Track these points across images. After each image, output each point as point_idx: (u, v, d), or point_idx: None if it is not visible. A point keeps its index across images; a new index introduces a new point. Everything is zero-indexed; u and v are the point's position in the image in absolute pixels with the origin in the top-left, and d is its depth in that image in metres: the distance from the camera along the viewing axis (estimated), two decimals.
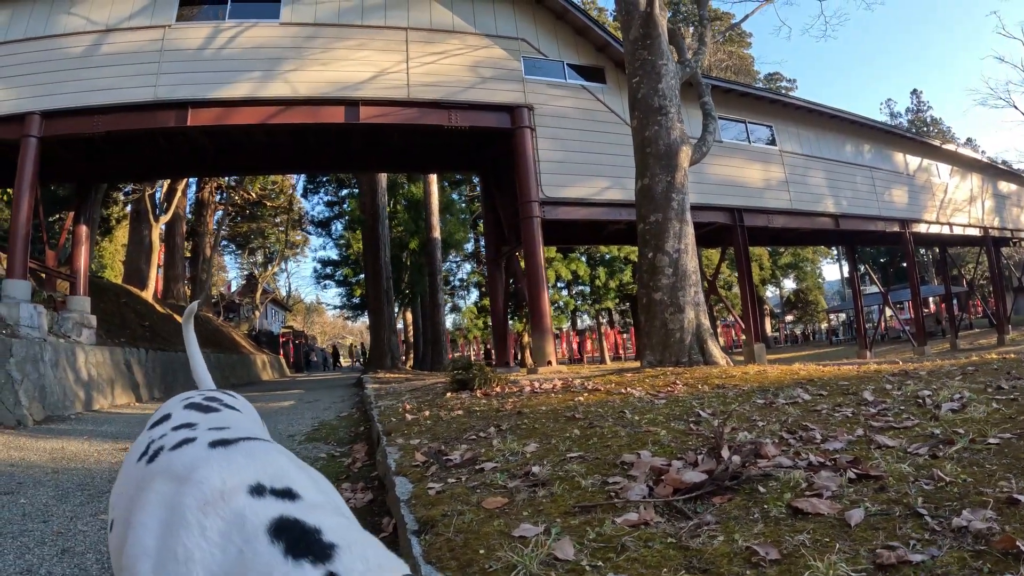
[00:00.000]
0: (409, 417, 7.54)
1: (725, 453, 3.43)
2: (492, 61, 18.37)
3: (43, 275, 18.01)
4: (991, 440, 3.55)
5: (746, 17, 17.62)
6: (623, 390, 7.55)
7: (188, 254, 43.50)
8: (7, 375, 11.79)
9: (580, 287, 45.42)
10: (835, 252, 71.24)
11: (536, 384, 9.45)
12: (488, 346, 45.27)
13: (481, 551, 2.72)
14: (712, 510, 2.93)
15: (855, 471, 3.15)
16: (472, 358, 42.00)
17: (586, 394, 7.63)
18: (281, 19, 17.29)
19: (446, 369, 11.47)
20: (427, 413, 7.68)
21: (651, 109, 12.06)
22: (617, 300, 43.13)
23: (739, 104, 23.17)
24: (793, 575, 2.16)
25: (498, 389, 9.33)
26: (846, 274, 40.88)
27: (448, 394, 9.51)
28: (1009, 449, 3.35)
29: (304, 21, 17.33)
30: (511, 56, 18.59)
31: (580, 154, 18.60)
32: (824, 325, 73.56)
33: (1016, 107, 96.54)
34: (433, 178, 32.69)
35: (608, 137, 18.67)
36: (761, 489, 3.08)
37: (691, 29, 15.91)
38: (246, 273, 72.25)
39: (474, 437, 5.60)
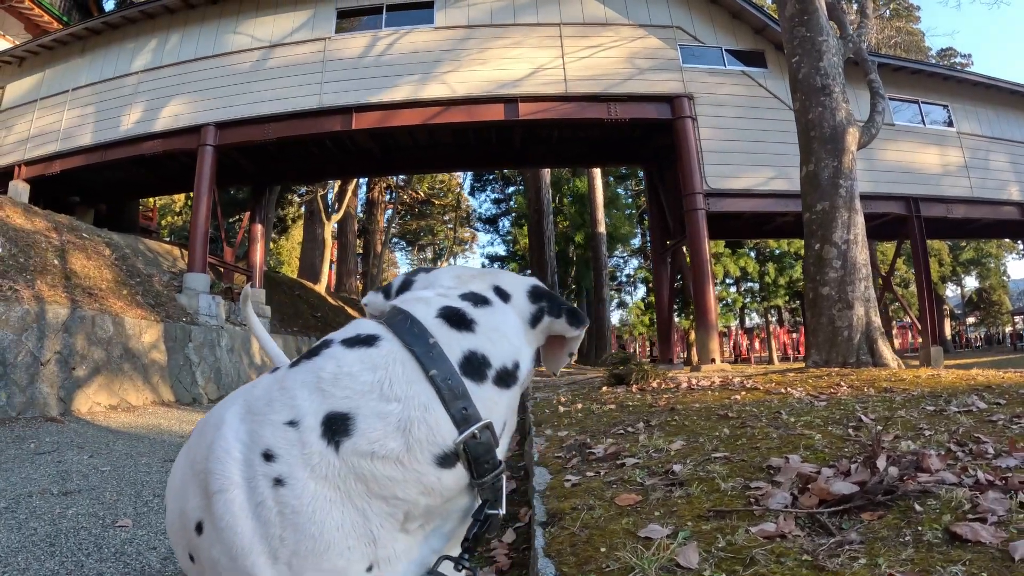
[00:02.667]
0: (561, 409, 7.51)
1: (881, 464, 3.15)
2: (648, 51, 18.13)
3: (221, 269, 19.36)
4: None
5: None
6: (783, 390, 7.25)
7: (360, 250, 45.12)
8: (186, 357, 13.21)
9: (748, 283, 44.27)
10: (1021, 246, 66.60)
11: (694, 381, 9.24)
12: (654, 342, 44.77)
13: (602, 549, 2.65)
14: (859, 527, 2.67)
15: None
16: (637, 354, 41.80)
17: (743, 392, 7.38)
18: (436, 24, 17.86)
19: (604, 364, 11.35)
20: (579, 406, 7.62)
21: (813, 89, 11.52)
22: (787, 298, 41.72)
23: (910, 83, 21.82)
24: None
25: (654, 385, 9.16)
26: None
27: (603, 388, 9.45)
28: None
29: (458, 24, 17.68)
30: (667, 45, 18.30)
31: (744, 143, 18.09)
32: (1009, 328, 68.36)
33: None
34: (597, 172, 32.58)
35: (772, 124, 18.04)
36: (917, 507, 2.78)
37: (854, 5, 15.10)
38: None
39: (621, 432, 5.50)
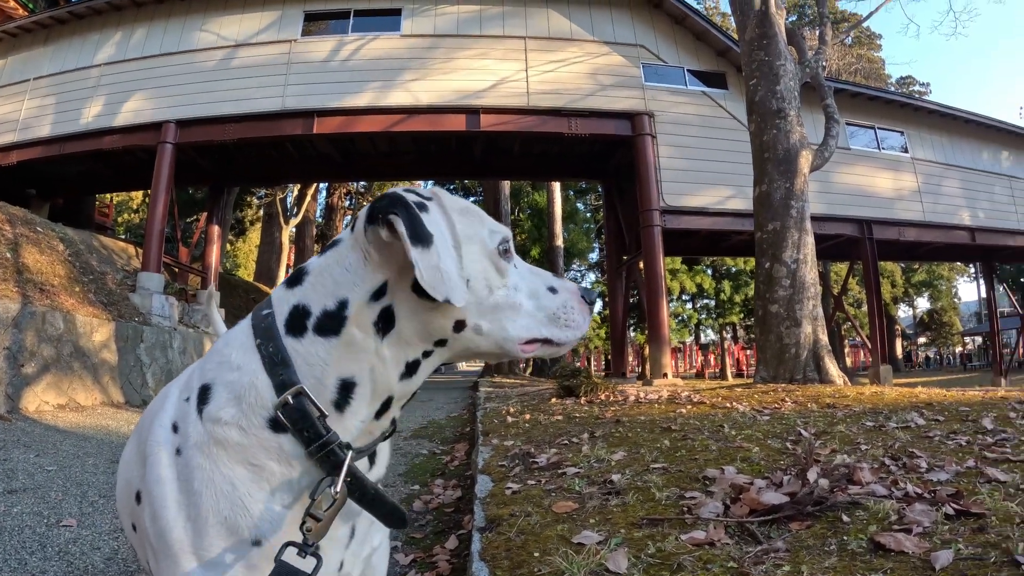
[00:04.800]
0: (510, 420, 7.58)
1: (812, 475, 3.20)
2: (611, 68, 18.25)
3: (176, 270, 19.22)
4: None
5: (871, 14, 17.02)
6: (728, 404, 7.33)
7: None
8: (137, 358, 13.10)
9: (705, 300, 44.58)
10: (972, 270, 67.79)
11: (642, 394, 9.33)
12: (609, 356, 45.00)
13: (536, 554, 2.71)
14: (786, 536, 2.72)
15: (954, 506, 2.84)
16: (593, 368, 41.91)
17: (689, 406, 7.46)
18: (402, 31, 17.86)
19: (555, 376, 11.43)
20: (528, 417, 7.70)
21: (769, 112, 11.69)
22: (742, 315, 42.09)
23: (868, 109, 22.19)
24: None
25: (602, 397, 9.26)
26: (983, 294, 38.85)
27: (553, 400, 9.54)
28: None
29: (424, 32, 17.69)
30: (630, 63, 18.44)
31: (702, 162, 18.25)
32: (959, 349, 69.86)
33: None
34: (556, 186, 32.59)
35: (730, 144, 18.18)
36: (845, 518, 2.83)
37: (816, 32, 15.34)
38: None
39: (566, 442, 5.58)
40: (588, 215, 44.97)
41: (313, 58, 17.53)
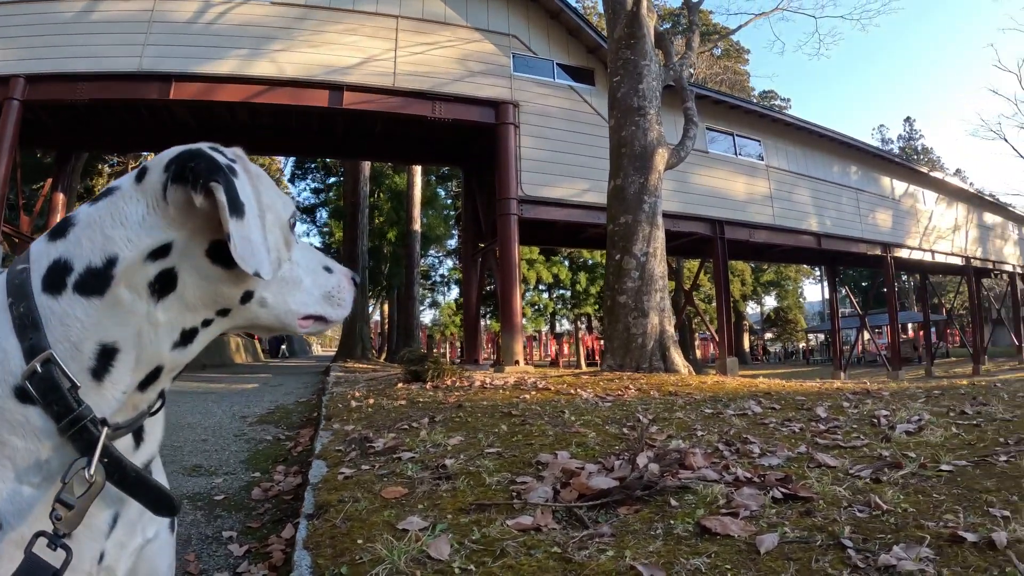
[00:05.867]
0: (353, 404, 7.45)
1: (642, 460, 3.15)
2: (481, 55, 18.11)
3: (16, 240, 17.95)
4: (944, 467, 3.25)
5: (740, 27, 17.61)
6: (573, 391, 7.35)
7: None
8: None
9: (561, 291, 45.19)
10: (817, 272, 71.34)
11: (488, 380, 9.28)
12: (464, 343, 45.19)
13: (360, 541, 2.64)
14: (614, 521, 2.68)
15: (783, 490, 2.86)
16: (448, 355, 41.88)
17: (534, 392, 7.45)
18: None
19: (402, 360, 11.27)
20: (371, 401, 7.57)
21: (630, 109, 11.81)
22: (597, 306, 42.85)
23: (729, 116, 23.03)
24: None
25: (448, 382, 9.16)
26: (826, 295, 41.04)
27: (399, 384, 9.40)
28: (963, 478, 3.05)
29: (295, 2, 16.97)
30: (501, 52, 18.35)
31: (563, 154, 18.35)
32: (802, 345, 73.66)
33: (1007, 140, 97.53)
34: (417, 170, 32.36)
35: (592, 139, 18.35)
36: (674, 502, 2.81)
37: (692, 36, 15.66)
38: None
39: (406, 427, 5.48)
40: (448, 201, 44.97)
41: (176, 18, 16.32)
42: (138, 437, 1.28)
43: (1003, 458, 3.38)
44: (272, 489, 4.97)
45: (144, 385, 1.22)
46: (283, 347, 47.27)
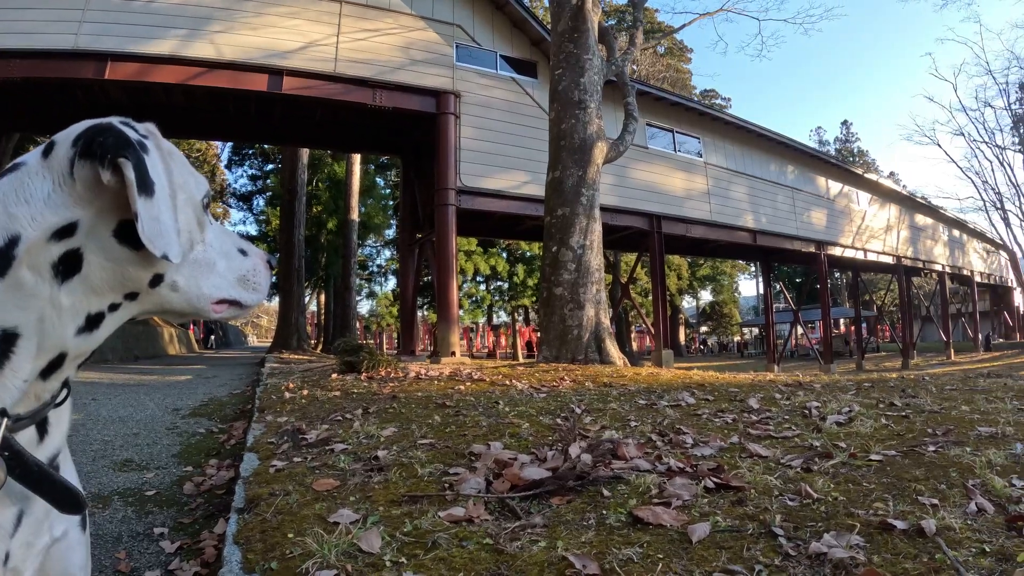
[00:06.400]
0: (287, 395, 7.34)
1: (574, 450, 3.15)
2: (424, 44, 17.97)
3: None
4: (873, 456, 3.30)
5: (683, 26, 17.72)
6: (508, 382, 7.33)
7: None
8: None
9: (498, 283, 45.26)
10: (752, 268, 72.65)
11: (423, 371, 9.23)
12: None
13: (290, 535, 2.58)
14: (546, 511, 2.66)
15: (715, 480, 2.87)
16: (385, 346, 41.70)
17: (469, 383, 7.42)
18: None
19: (337, 351, 11.18)
20: (306, 392, 7.47)
21: (570, 102, 11.83)
22: (534, 298, 43.06)
23: (669, 113, 23.28)
24: None
25: (383, 373, 9.09)
26: (761, 290, 41.86)
27: (334, 376, 9.29)
28: (892, 467, 3.10)
29: None
30: (444, 41, 18.24)
31: (503, 146, 18.37)
32: (737, 339, 75.04)
33: (940, 146, 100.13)
34: (356, 158, 32.12)
35: (533, 132, 18.36)
36: (606, 492, 2.80)
37: (635, 34, 15.74)
38: None
39: (339, 418, 5.42)
40: (387, 191, 44.75)
41: None
42: (42, 430, 1.22)
43: (931, 448, 3.45)
44: (204, 483, 4.87)
45: (47, 373, 1.15)
46: (212, 337, 46.16)
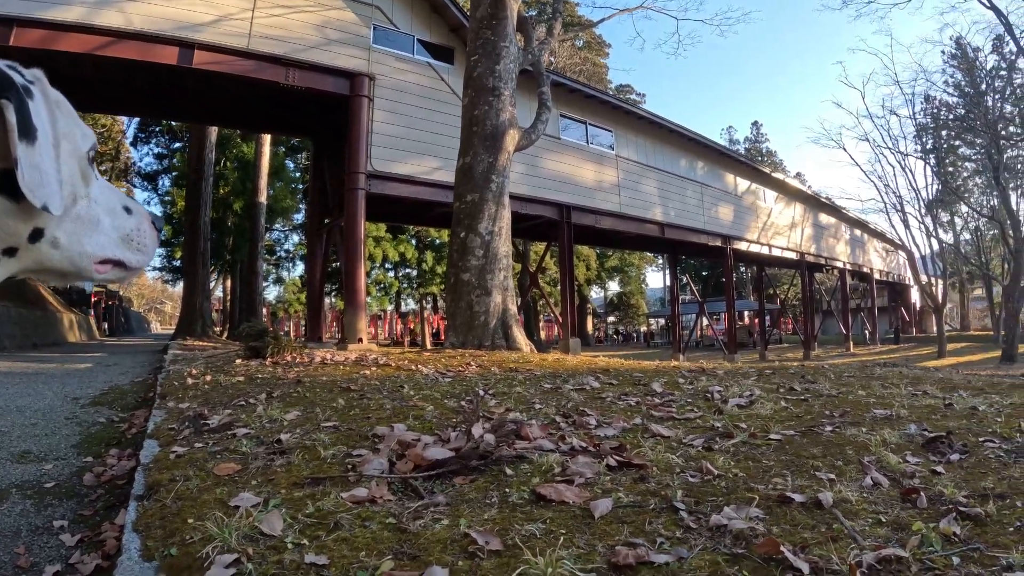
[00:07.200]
0: (190, 381, 7.21)
1: (477, 431, 3.16)
2: (341, 24, 17.69)
3: None
4: (773, 436, 3.41)
5: (602, 20, 17.94)
6: (413, 367, 7.33)
7: None
8: None
9: (407, 270, 45.20)
10: (660, 260, 74.01)
11: (329, 357, 9.17)
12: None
13: (190, 520, 2.53)
14: (449, 491, 2.66)
15: (617, 458, 2.91)
16: (292, 332, 41.20)
17: (375, 368, 7.39)
18: None
19: (240, 337, 11.02)
20: (209, 378, 7.36)
21: (484, 88, 11.84)
22: (443, 285, 43.14)
23: (583, 105, 23.46)
24: (509, 569, 1.85)
25: (289, 358, 8.99)
26: (668, 282, 42.81)
27: (238, 361, 9.14)
28: (791, 446, 3.21)
29: None
30: (361, 22, 17.99)
31: (416, 131, 18.25)
32: (644, 329, 76.22)
33: (845, 149, 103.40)
34: (267, 139, 31.61)
35: (446, 118, 18.29)
36: (509, 471, 2.82)
37: (554, 25, 15.84)
38: None
39: (242, 403, 5.36)
40: (297, 174, 44.23)
41: None
42: None
43: (829, 428, 3.58)
44: (105, 474, 4.73)
45: None
46: (105, 324, 44.53)
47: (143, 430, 5.94)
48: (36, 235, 1.17)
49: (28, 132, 1.04)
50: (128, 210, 1.37)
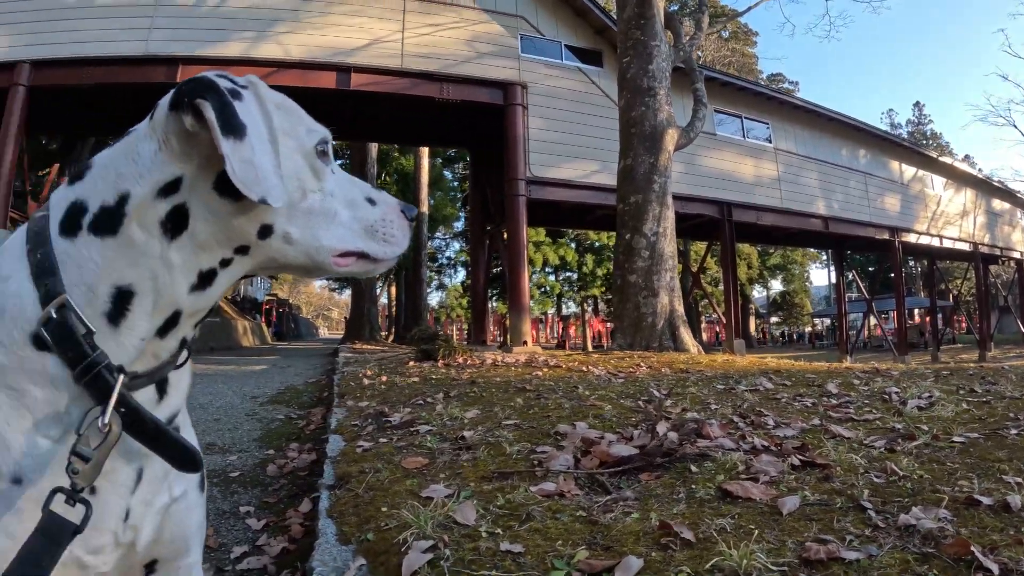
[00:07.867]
0: (366, 382, 7.44)
1: (661, 428, 3.22)
2: (489, 37, 18.07)
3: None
4: (956, 439, 3.31)
5: (748, 9, 17.54)
6: (584, 368, 7.38)
7: None
8: None
9: (567, 273, 45.29)
10: (824, 257, 71.27)
11: (499, 359, 9.32)
12: (471, 326, 45.18)
13: (384, 508, 2.65)
14: (636, 486, 2.73)
15: (800, 458, 2.91)
16: (454, 338, 41.87)
17: (546, 369, 7.49)
18: None
19: (413, 340, 11.30)
20: (384, 379, 7.57)
21: (639, 89, 11.83)
22: (603, 288, 43.07)
23: (737, 99, 22.96)
24: (702, 561, 1.91)
25: (460, 360, 9.21)
26: (833, 279, 41.10)
27: (410, 363, 9.41)
28: (975, 449, 3.11)
29: None
30: (508, 33, 18.30)
31: (571, 136, 18.35)
32: (808, 329, 73.52)
33: (1016, 126, 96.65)
34: (424, 152, 32.34)
35: (600, 121, 18.33)
36: (694, 468, 2.86)
37: (693, 20, 15.62)
38: None
39: (420, 402, 5.51)
40: (455, 183, 44.96)
41: (183, 1, 16.32)
42: (161, 390, 1.25)
43: (1014, 431, 3.45)
44: (287, 466, 4.99)
45: (163, 332, 1.18)
46: (271, 329, 46.02)
47: (321, 427, 6.21)
48: (265, 231, 1.21)
49: (233, 128, 1.09)
50: (372, 201, 1.38)
